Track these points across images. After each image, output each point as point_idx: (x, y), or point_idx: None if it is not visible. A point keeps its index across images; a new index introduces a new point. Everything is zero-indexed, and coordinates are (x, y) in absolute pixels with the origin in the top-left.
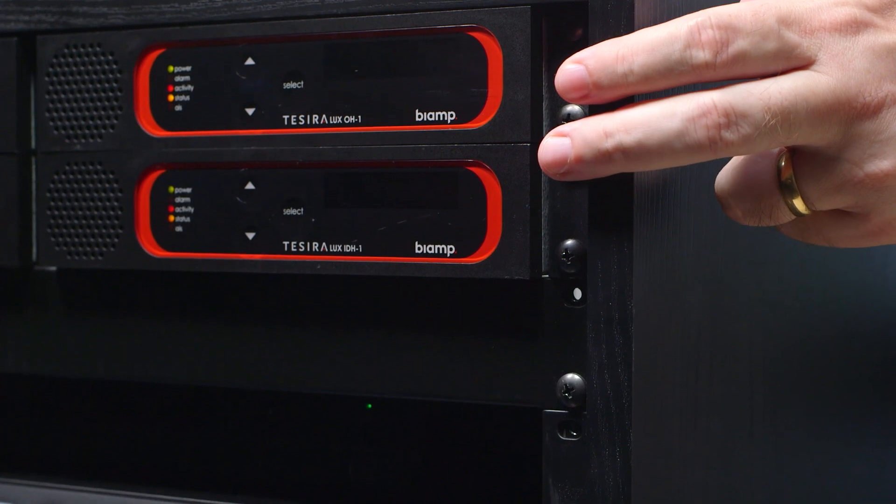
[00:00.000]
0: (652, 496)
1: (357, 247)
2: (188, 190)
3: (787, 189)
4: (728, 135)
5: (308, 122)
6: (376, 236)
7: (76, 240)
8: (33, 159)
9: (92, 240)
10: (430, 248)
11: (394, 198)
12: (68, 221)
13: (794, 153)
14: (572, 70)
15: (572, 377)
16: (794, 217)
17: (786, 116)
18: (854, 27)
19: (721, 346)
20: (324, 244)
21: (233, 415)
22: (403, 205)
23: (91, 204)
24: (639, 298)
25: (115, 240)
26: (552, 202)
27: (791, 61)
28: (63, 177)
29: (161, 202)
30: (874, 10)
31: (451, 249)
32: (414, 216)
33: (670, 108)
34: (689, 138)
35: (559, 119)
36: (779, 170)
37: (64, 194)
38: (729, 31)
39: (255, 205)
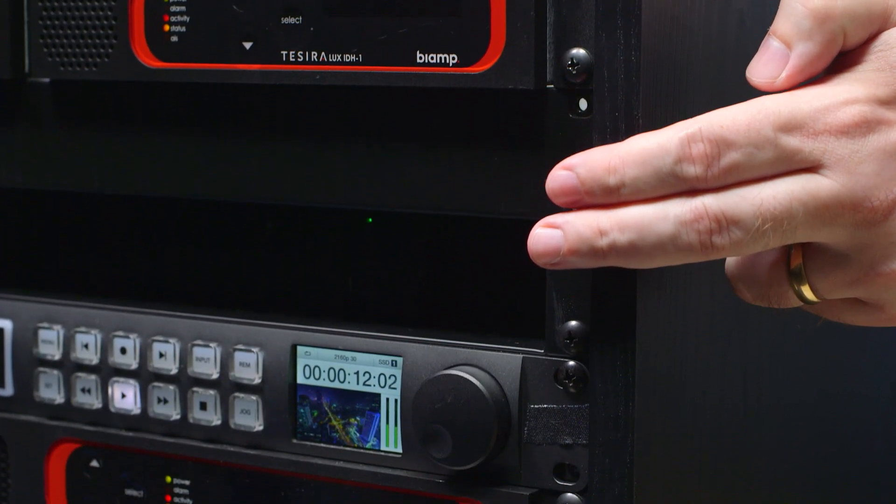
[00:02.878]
0: (655, 311)
1: (357, 56)
2: None
3: (796, 278)
4: (719, 240)
5: None
6: (377, 45)
7: (70, 50)
8: None
9: (86, 50)
10: (433, 58)
11: (395, 5)
12: (61, 31)
13: (805, 243)
14: (564, 177)
15: None
16: (803, 304)
17: (779, 222)
18: (864, 128)
19: None
20: (323, 53)
21: (231, 229)
22: (405, 12)
23: (85, 13)
24: (646, 108)
25: (110, 50)
26: (558, 9)
27: (792, 165)
28: None
29: (156, 11)
30: (887, 103)
31: (453, 59)
32: (416, 24)
33: (663, 211)
34: (681, 242)
35: None
36: (788, 258)
37: (57, 3)
38: (720, 144)
39: (252, 13)
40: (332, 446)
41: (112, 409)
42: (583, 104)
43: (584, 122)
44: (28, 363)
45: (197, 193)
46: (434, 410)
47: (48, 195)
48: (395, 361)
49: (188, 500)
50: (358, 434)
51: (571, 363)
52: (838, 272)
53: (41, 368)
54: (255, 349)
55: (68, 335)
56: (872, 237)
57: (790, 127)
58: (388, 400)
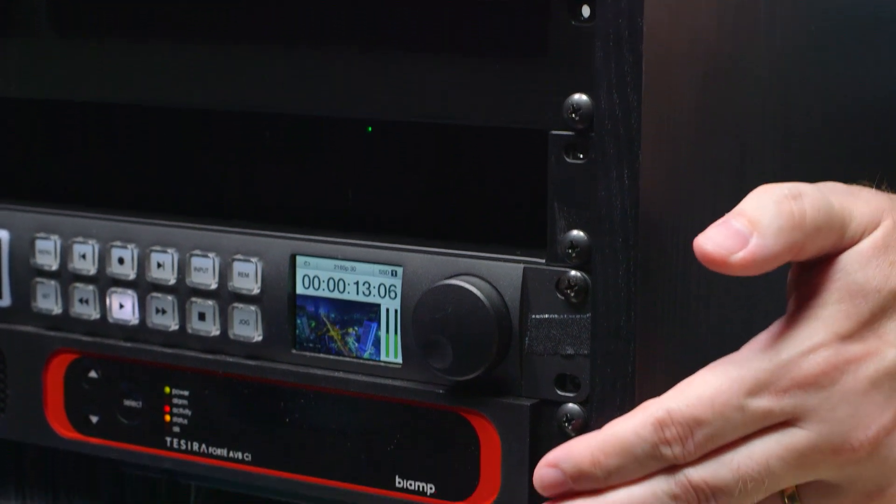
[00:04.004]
0: (660, 219)
1: None
2: None
3: (791, 502)
4: None
5: None
6: None
7: None
8: None
9: None
10: None
11: None
12: None
13: None
14: (551, 475)
15: (579, 97)
16: None
17: (759, 480)
18: (831, 374)
19: (734, 66)
20: None
21: (230, 139)
22: None
23: None
24: (650, 15)
25: None
26: None
27: (766, 423)
28: None
29: None
30: (850, 336)
31: None
32: None
33: (651, 489)
34: None
35: None
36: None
37: None
38: (691, 424)
39: None
40: (331, 357)
41: (110, 320)
42: (585, 11)
43: (587, 29)
44: (25, 274)
45: (195, 103)
46: (434, 320)
47: (44, 105)
48: (395, 271)
49: (187, 411)
50: (356, 344)
51: (573, 273)
52: (833, 500)
53: (38, 279)
54: (253, 259)
55: (65, 245)
56: (861, 471)
57: (756, 390)
58: (388, 310)
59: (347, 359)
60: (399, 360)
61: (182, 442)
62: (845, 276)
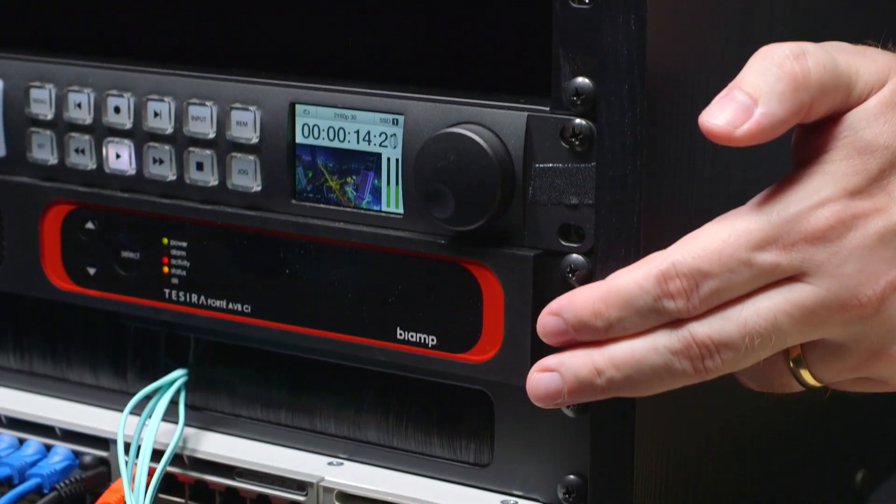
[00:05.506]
0: (667, 68)
1: None
2: None
3: (796, 367)
4: (711, 363)
5: None
6: None
7: None
8: None
9: None
10: None
11: None
12: None
13: None
14: (553, 322)
15: None
16: (802, 388)
17: (766, 336)
18: (839, 229)
19: None
20: None
21: None
22: None
23: None
24: None
25: None
26: None
27: (772, 278)
28: None
29: None
30: (859, 192)
31: None
32: None
33: (653, 344)
34: (675, 370)
35: None
36: (787, 349)
37: None
38: (696, 276)
39: None
40: (331, 207)
41: (107, 170)
42: None
43: None
44: (20, 123)
45: None
46: (436, 169)
47: None
48: (397, 120)
49: (185, 262)
50: (354, 192)
51: (578, 121)
52: (838, 360)
53: (34, 129)
54: (252, 108)
55: (60, 94)
56: (867, 329)
57: (764, 244)
58: (388, 159)
59: (348, 209)
60: (400, 210)
61: (181, 294)
62: (853, 133)
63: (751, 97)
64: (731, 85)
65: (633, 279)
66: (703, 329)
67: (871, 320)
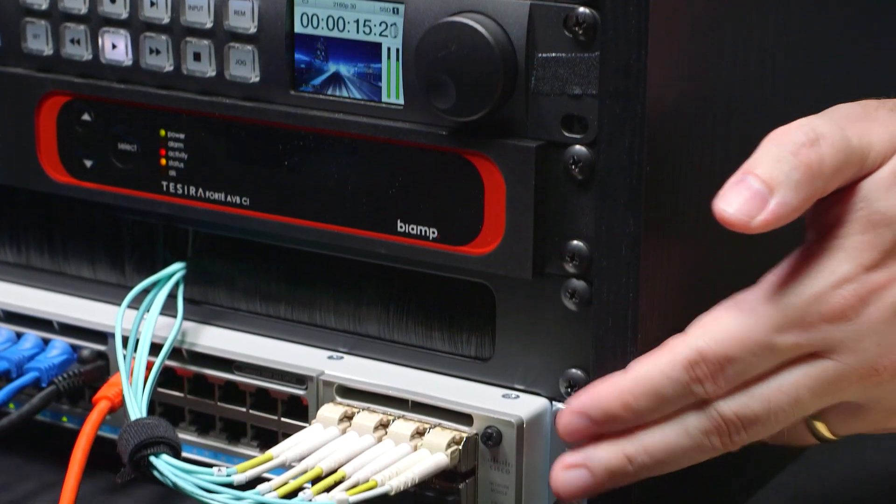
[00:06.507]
0: None
1: None
2: None
3: (813, 419)
4: (738, 438)
5: None
6: None
7: None
8: None
9: None
10: None
11: None
12: None
13: None
14: (578, 422)
15: None
16: (817, 442)
17: (789, 410)
18: (858, 307)
19: None
20: None
21: None
22: None
23: None
24: None
25: None
26: None
27: (794, 355)
28: None
29: None
30: (875, 266)
31: None
32: None
33: (684, 427)
34: (705, 447)
35: None
36: None
37: None
38: (722, 361)
39: None
40: (331, 97)
41: (103, 61)
42: None
43: None
44: (14, 13)
45: None
46: (437, 59)
47: None
48: (397, 9)
49: (183, 154)
50: (354, 83)
51: (581, 9)
52: (856, 419)
53: (28, 19)
54: None
55: None
56: (885, 392)
57: (784, 326)
58: (389, 49)
59: (347, 100)
60: (401, 100)
61: (178, 186)
62: (867, 205)
63: (766, 185)
64: (744, 168)
65: (659, 369)
66: (730, 406)
67: (888, 384)
